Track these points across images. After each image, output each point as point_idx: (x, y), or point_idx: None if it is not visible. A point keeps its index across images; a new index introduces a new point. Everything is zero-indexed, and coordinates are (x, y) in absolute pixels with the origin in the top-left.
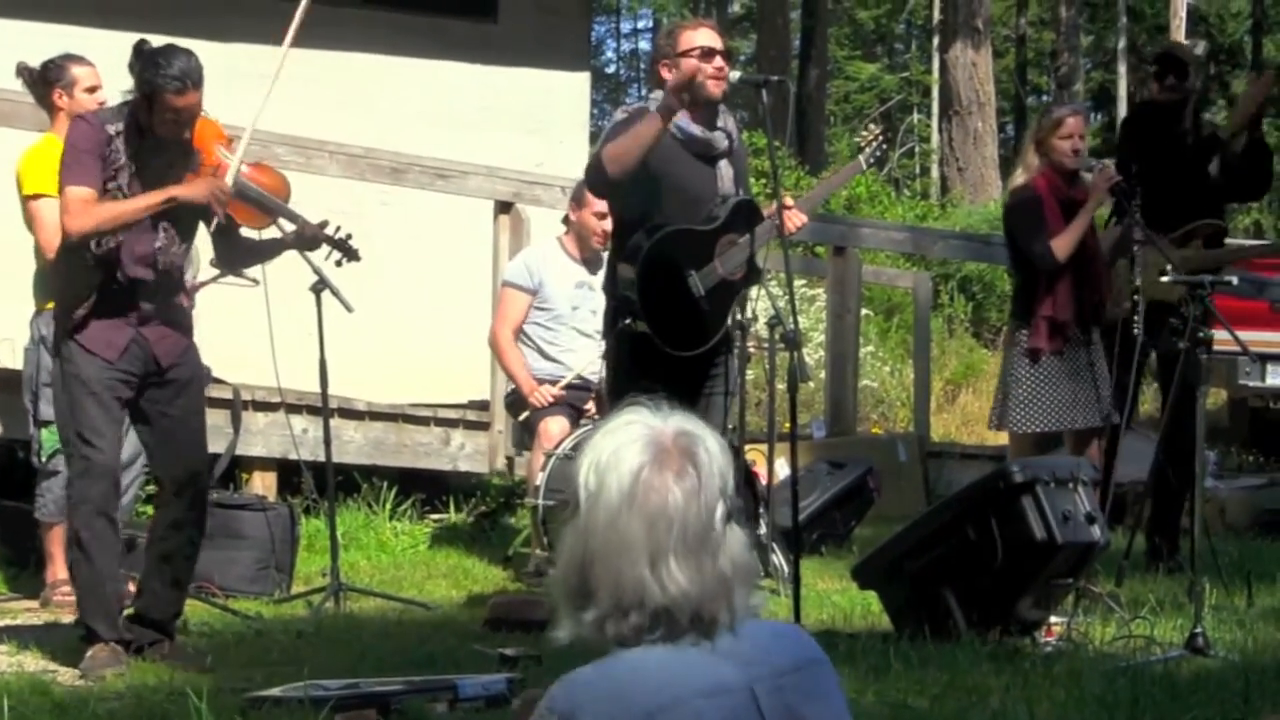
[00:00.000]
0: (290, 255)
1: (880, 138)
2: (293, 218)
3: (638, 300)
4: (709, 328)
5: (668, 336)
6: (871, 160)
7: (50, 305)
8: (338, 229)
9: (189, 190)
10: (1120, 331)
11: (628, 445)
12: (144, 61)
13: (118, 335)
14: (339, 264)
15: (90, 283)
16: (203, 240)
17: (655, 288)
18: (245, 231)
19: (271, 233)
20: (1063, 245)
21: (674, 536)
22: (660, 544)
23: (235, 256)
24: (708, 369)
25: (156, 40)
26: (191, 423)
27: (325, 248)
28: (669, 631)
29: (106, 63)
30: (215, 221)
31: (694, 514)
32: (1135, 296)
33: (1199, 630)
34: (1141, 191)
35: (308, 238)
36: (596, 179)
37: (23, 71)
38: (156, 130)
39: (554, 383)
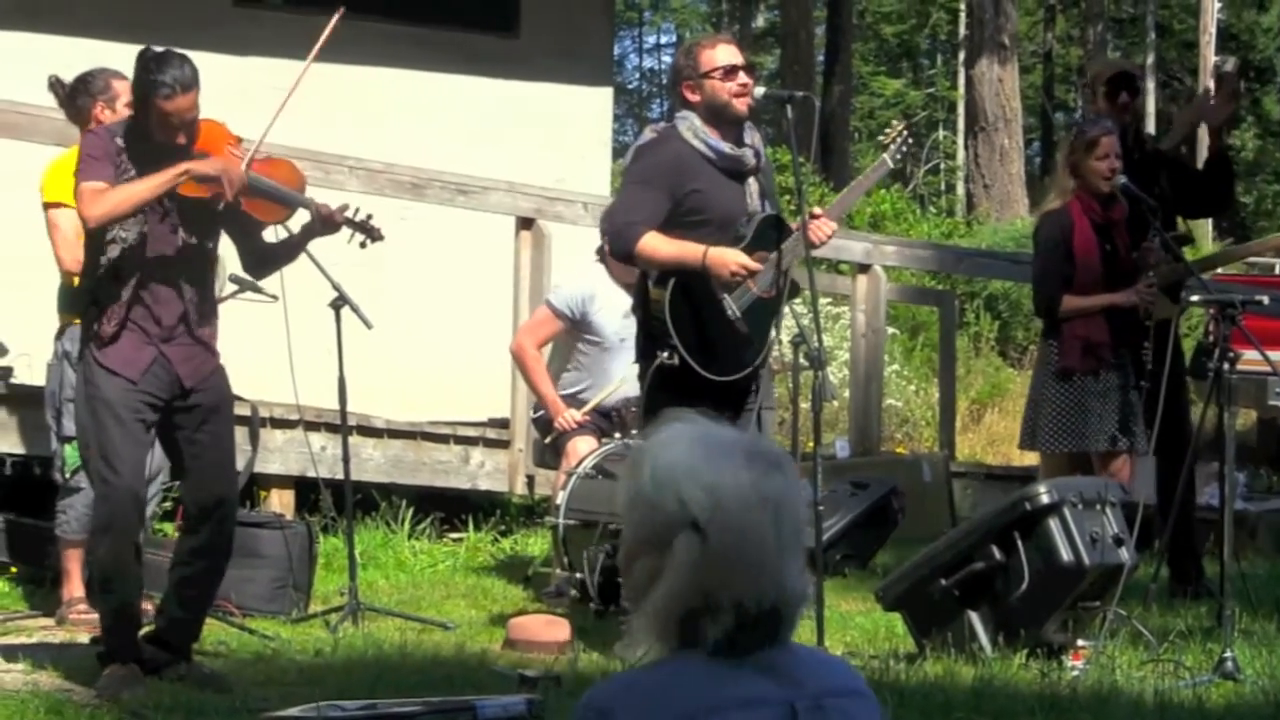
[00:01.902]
0: (310, 271)
1: (905, 133)
2: (309, 205)
3: (670, 325)
4: (749, 349)
5: (706, 362)
6: (899, 155)
7: (75, 320)
8: (356, 210)
9: (203, 165)
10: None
11: (728, 458)
12: (139, 67)
13: (140, 354)
14: (363, 245)
15: (112, 293)
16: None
17: (687, 312)
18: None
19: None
20: (1073, 306)
21: (791, 537)
22: (786, 545)
23: (262, 261)
24: (748, 388)
25: None
26: (219, 448)
27: (347, 231)
28: (763, 635)
29: None
30: (222, 204)
31: (800, 513)
32: (1147, 322)
33: (1228, 655)
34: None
35: (327, 222)
36: (622, 256)
37: (55, 85)
38: (154, 135)
39: (580, 405)
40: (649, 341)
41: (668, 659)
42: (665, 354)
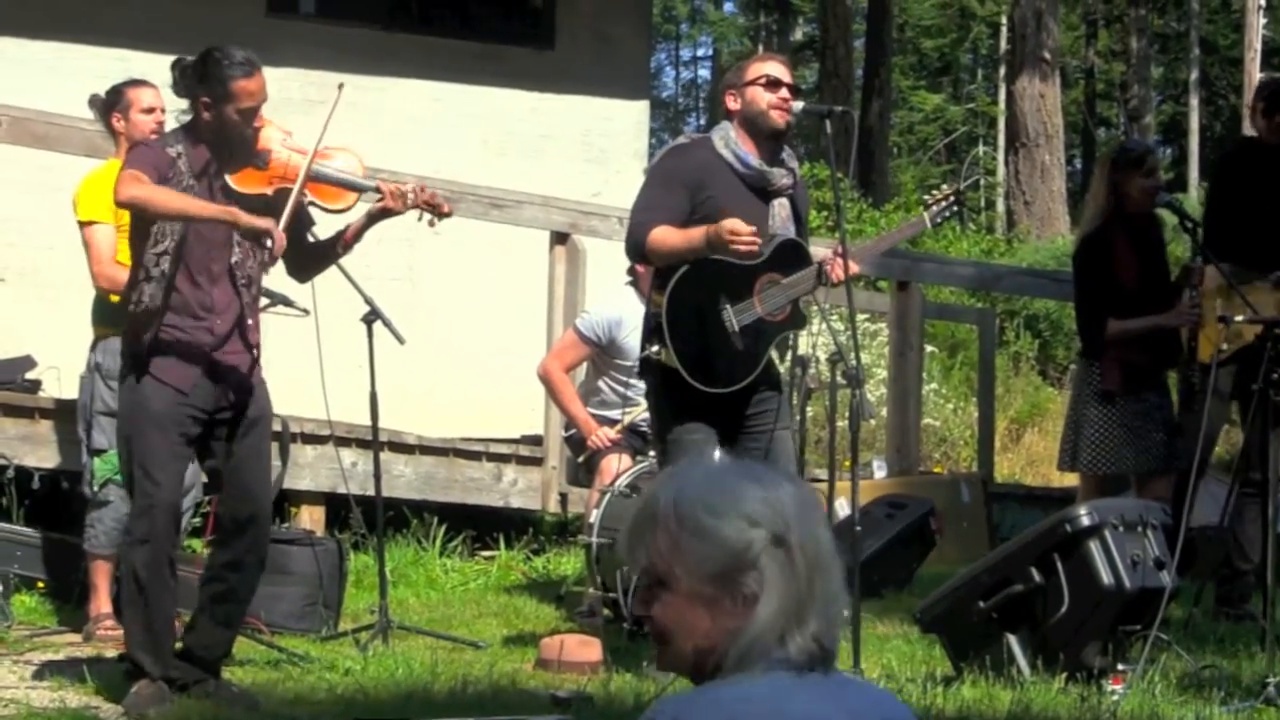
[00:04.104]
0: (342, 285)
1: (951, 199)
2: (375, 189)
3: (666, 329)
4: (741, 366)
5: (695, 369)
6: (938, 220)
7: (108, 333)
8: (422, 187)
9: (253, 220)
10: (1195, 373)
11: (749, 477)
12: (200, 65)
13: (192, 365)
14: (431, 224)
15: (166, 301)
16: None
17: (685, 317)
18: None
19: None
20: (1119, 329)
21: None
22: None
23: (307, 263)
24: (745, 406)
25: None
26: (256, 461)
27: (415, 210)
28: (810, 659)
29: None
30: (261, 260)
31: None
32: (1193, 344)
33: (1271, 680)
34: (1243, 233)
35: (395, 202)
36: (636, 254)
37: (94, 102)
38: (231, 127)
39: (614, 423)
40: (645, 344)
41: (727, 682)
42: (654, 349)
